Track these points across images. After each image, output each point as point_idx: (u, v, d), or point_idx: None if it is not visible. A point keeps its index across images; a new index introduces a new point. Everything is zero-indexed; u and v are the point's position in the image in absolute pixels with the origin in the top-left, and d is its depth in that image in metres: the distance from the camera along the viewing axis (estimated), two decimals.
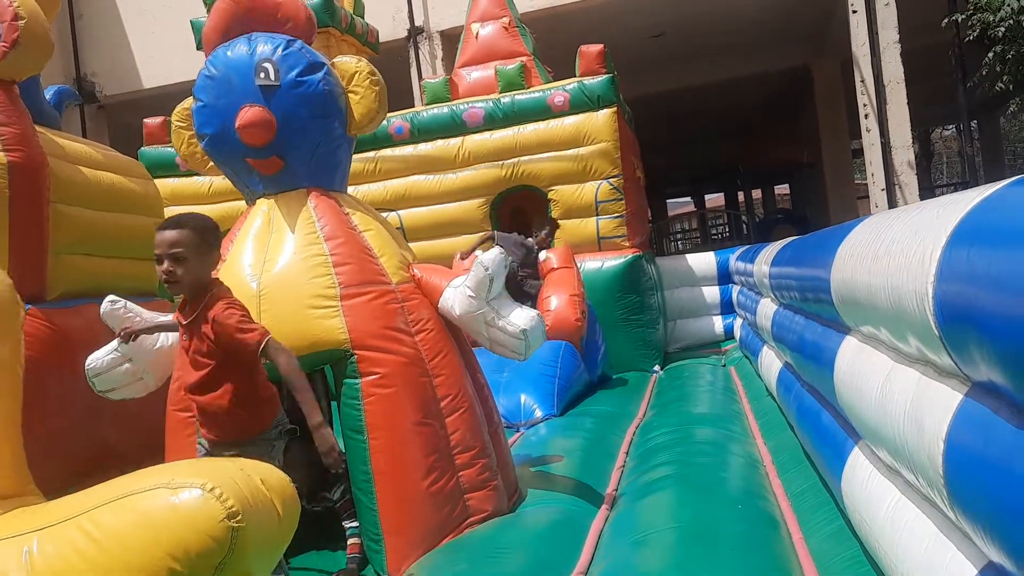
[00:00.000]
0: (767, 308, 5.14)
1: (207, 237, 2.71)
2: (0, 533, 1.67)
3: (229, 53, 3.25)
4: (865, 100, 10.09)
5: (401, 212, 7.64)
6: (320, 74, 3.25)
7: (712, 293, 9.08)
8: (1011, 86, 9.10)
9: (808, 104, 16.16)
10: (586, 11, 10.93)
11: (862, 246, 2.23)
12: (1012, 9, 8.44)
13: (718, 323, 9.06)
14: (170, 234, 2.64)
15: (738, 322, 8.02)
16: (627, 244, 7.39)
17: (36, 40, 3.83)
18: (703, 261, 9.20)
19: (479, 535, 3.04)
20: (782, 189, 28.53)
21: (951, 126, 27.65)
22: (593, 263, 7.25)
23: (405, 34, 11.07)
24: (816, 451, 3.25)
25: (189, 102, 3.41)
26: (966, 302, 1.43)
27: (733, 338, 8.39)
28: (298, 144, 3.25)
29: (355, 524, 3.24)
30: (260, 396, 2.77)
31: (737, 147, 21.85)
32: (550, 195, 7.41)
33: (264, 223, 3.27)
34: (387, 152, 7.68)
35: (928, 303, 1.59)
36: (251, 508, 1.63)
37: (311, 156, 3.30)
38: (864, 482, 2.39)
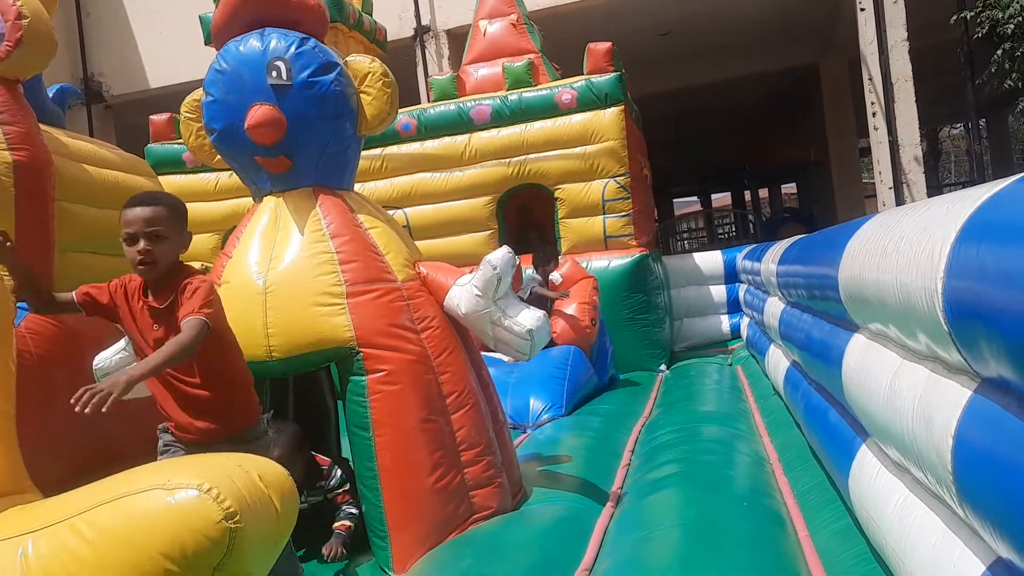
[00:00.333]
0: (774, 306, 5.12)
1: (182, 214, 2.51)
2: None
3: (241, 48, 3.20)
4: (873, 98, 10.06)
5: (407, 210, 7.61)
6: (333, 75, 3.21)
7: (719, 292, 9.05)
8: (1020, 84, 9.05)
9: (815, 103, 16.12)
10: (591, 9, 10.91)
11: (870, 243, 2.21)
12: (1021, 6, 8.40)
13: (725, 322, 9.02)
14: (145, 210, 2.38)
15: (745, 321, 8.00)
16: (634, 243, 7.36)
17: (40, 39, 3.83)
18: (710, 260, 9.17)
19: (484, 532, 3.04)
20: (789, 188, 28.49)
21: (959, 124, 27.56)
22: (600, 262, 7.22)
23: (412, 33, 11.09)
24: (823, 449, 3.23)
25: (199, 93, 3.38)
26: (975, 298, 1.42)
27: (740, 337, 8.36)
28: (307, 144, 3.24)
29: (354, 511, 3.23)
30: (238, 386, 2.59)
31: (743, 146, 21.82)
32: (557, 194, 7.38)
33: (271, 220, 3.27)
34: (394, 149, 7.66)
35: (937, 299, 1.58)
36: (249, 507, 1.60)
37: (320, 156, 3.28)
38: (872, 479, 2.38)
